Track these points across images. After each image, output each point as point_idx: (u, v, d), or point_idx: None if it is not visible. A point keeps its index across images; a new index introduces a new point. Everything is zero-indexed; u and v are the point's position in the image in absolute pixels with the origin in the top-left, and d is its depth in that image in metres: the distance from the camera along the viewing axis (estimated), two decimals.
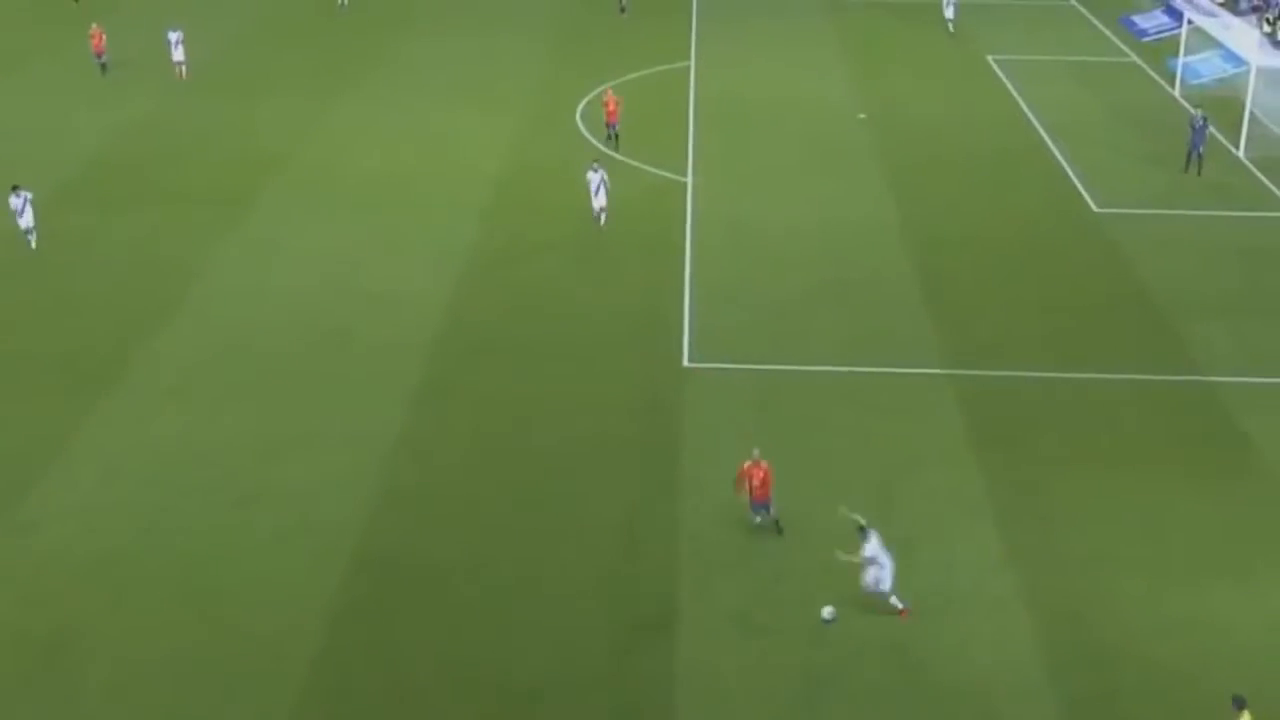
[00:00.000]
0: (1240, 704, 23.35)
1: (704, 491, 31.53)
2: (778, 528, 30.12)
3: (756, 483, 29.68)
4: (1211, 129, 53.63)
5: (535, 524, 30.27)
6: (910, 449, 33.47)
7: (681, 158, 52.81)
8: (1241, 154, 53.89)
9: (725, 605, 27.78)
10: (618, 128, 52.09)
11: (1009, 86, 62.88)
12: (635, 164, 51.30)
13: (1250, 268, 44.01)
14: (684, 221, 46.86)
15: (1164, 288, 42.32)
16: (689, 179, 50.76)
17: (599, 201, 45.01)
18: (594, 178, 45.10)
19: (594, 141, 54.05)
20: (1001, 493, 31.70)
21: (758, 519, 30.04)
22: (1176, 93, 60.87)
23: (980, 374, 37.10)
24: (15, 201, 42.26)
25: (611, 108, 51.26)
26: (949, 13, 70.62)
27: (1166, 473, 32.68)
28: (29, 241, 42.62)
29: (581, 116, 56.85)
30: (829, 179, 51.09)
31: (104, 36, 57.68)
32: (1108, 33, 72.40)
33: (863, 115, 57.77)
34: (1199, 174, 51.86)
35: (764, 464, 29.80)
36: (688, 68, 64.55)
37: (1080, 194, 50.12)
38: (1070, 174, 52.03)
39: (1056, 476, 32.44)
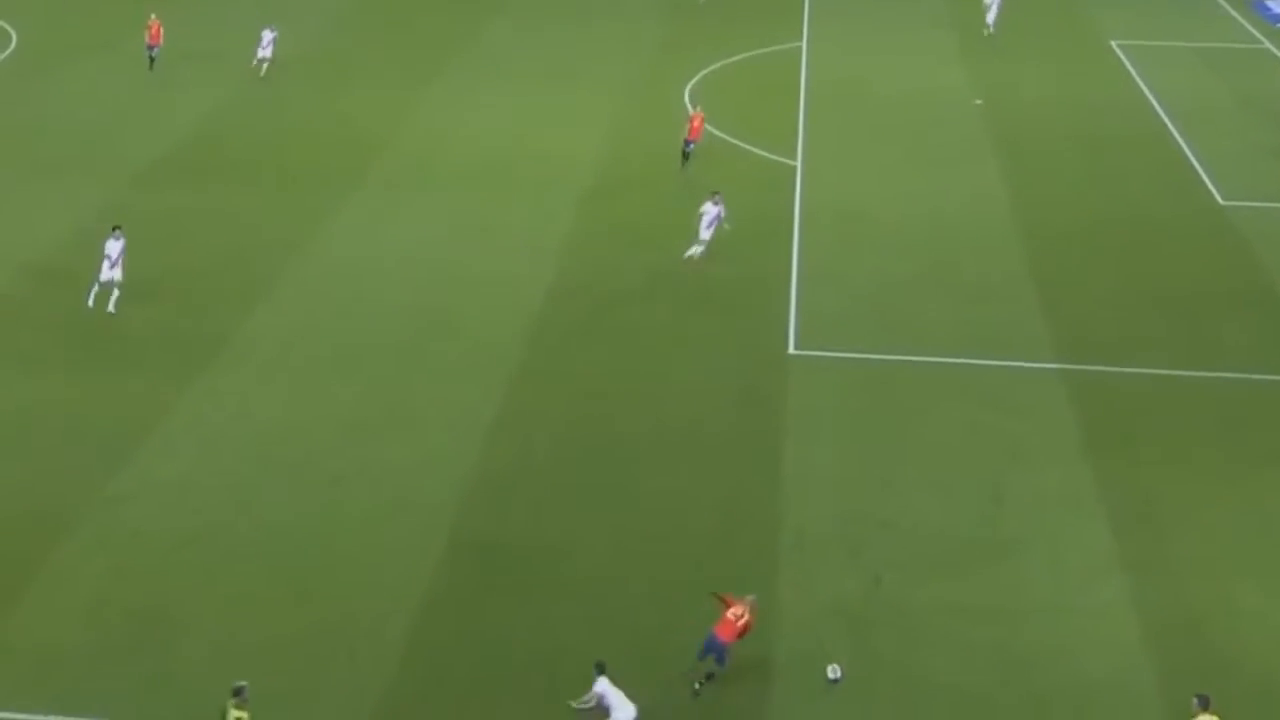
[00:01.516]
0: (1204, 703, 22.87)
1: (807, 484, 31.41)
2: (698, 684, 25.24)
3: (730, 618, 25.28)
4: None
5: (630, 514, 30.29)
6: (1020, 446, 33.10)
7: (792, 141, 52.55)
8: None
9: (825, 601, 27.64)
10: (694, 147, 48.72)
11: (1132, 72, 61.93)
12: (745, 146, 51.13)
13: None
14: (792, 206, 46.65)
15: None
16: (799, 163, 50.51)
17: (704, 234, 41.17)
18: (711, 210, 41.27)
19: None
20: (1114, 494, 31.27)
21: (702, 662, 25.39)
22: None
23: (1094, 369, 36.59)
24: (113, 246, 37.56)
25: (696, 125, 49.14)
26: (990, 16, 66.21)
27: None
28: (110, 298, 37.44)
29: (690, 98, 56.77)
30: (942, 166, 50.62)
31: (161, 28, 57.88)
32: (1239, 17, 71.03)
33: (979, 101, 57.18)
34: None
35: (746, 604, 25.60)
36: (800, 49, 64.22)
37: (1205, 185, 49.26)
38: (1195, 164, 51.14)
39: (1172, 479, 31.93)
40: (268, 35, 57.44)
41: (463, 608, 27.32)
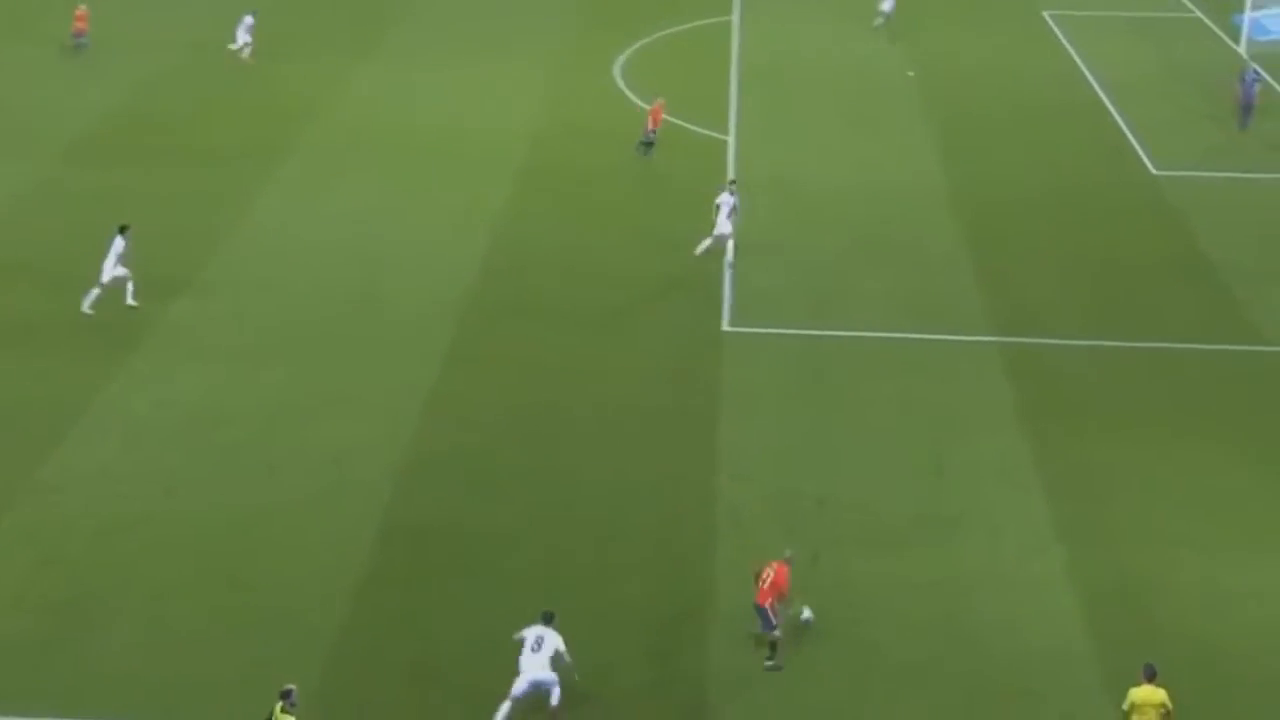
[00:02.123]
0: (1151, 674, 23.19)
1: (743, 462, 31.50)
2: (771, 654, 25.47)
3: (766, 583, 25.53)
4: (1268, 83, 53.27)
5: (569, 494, 30.28)
6: (957, 419, 33.35)
7: (723, 116, 52.60)
8: None
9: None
10: (655, 135, 48.02)
11: (1064, 42, 62.43)
12: (676, 121, 51.05)
13: None
14: (724, 180, 46.65)
15: (1224, 254, 42.01)
16: (731, 138, 50.57)
17: (723, 228, 40.06)
18: (727, 201, 40.46)
19: (634, 98, 53.94)
20: (1051, 465, 31.57)
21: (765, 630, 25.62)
22: (1242, 50, 60.26)
23: (1030, 341, 36.93)
24: (119, 245, 36.96)
25: (657, 113, 48.76)
26: (886, 5, 62.09)
27: (1223, 445, 32.46)
28: (126, 292, 36.99)
29: (621, 72, 56.70)
30: (875, 138, 50.86)
31: (87, 18, 56.95)
32: None
33: (911, 72, 57.45)
34: (1243, 127, 51.59)
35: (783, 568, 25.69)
36: (730, 22, 64.27)
37: (1138, 155, 49.76)
38: (1128, 134, 51.65)
39: (1108, 448, 32.26)
40: (247, 20, 56.38)
41: (399, 594, 27.21)
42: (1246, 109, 51.86)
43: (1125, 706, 23.12)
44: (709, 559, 28.24)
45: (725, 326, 37.38)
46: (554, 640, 24.07)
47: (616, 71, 57.03)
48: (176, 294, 37.88)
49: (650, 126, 48.28)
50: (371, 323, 37.08)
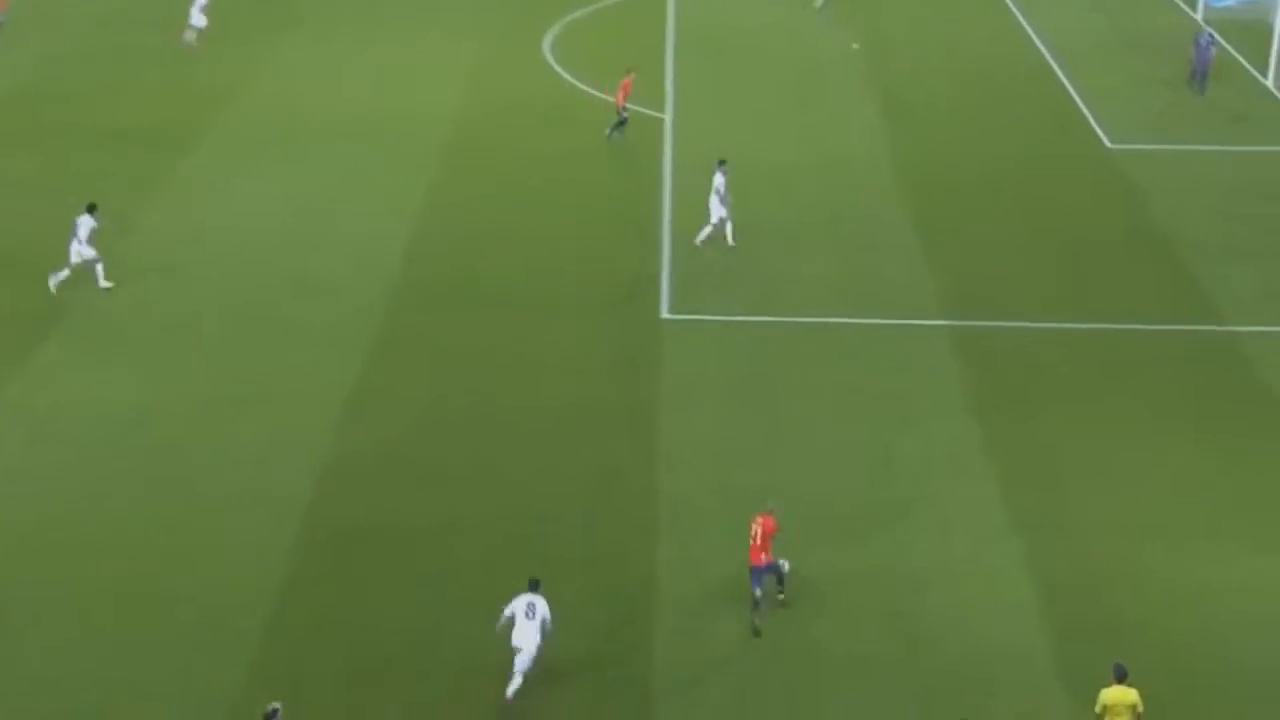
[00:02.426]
0: (1121, 674, 23.53)
1: (685, 455, 31.79)
2: (754, 621, 26.81)
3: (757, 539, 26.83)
4: (1227, 52, 54.29)
5: (502, 491, 30.49)
6: (907, 407, 33.79)
7: (659, 92, 52.86)
8: (1270, 82, 54.24)
9: (710, 575, 28.05)
10: (626, 112, 47.93)
11: (1014, 10, 63.01)
12: (611, 99, 51.28)
13: (1277, 207, 44.38)
14: (661, 162, 47.00)
15: (1184, 230, 42.69)
16: (668, 115, 50.84)
17: (718, 212, 40.46)
18: (722, 181, 40.69)
19: (564, 74, 54.10)
20: (1004, 453, 32.05)
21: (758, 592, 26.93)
22: (1199, 16, 61.06)
23: (982, 325, 37.43)
24: (85, 224, 37.30)
25: (627, 90, 48.47)
26: None
27: (1184, 430, 33.07)
28: (97, 277, 37.45)
29: (550, 49, 56.80)
30: (819, 114, 51.24)
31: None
32: None
33: (856, 45, 57.89)
34: (1202, 93, 52.56)
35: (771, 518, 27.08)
36: None
37: (1092, 128, 50.40)
38: (1082, 107, 52.28)
39: (1063, 435, 32.79)
40: (199, 1, 55.90)
41: (327, 596, 27.36)
42: (1202, 75, 52.76)
43: (1097, 709, 23.41)
44: (649, 556, 28.52)
45: (664, 314, 37.64)
46: (543, 607, 25.00)
47: (546, 47, 57.14)
48: (85, 283, 37.73)
49: (620, 103, 48.15)
50: (292, 313, 37.13)
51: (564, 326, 36.91)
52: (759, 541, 26.72)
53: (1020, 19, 61.77)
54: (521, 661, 24.72)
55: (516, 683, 24.69)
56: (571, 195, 44.42)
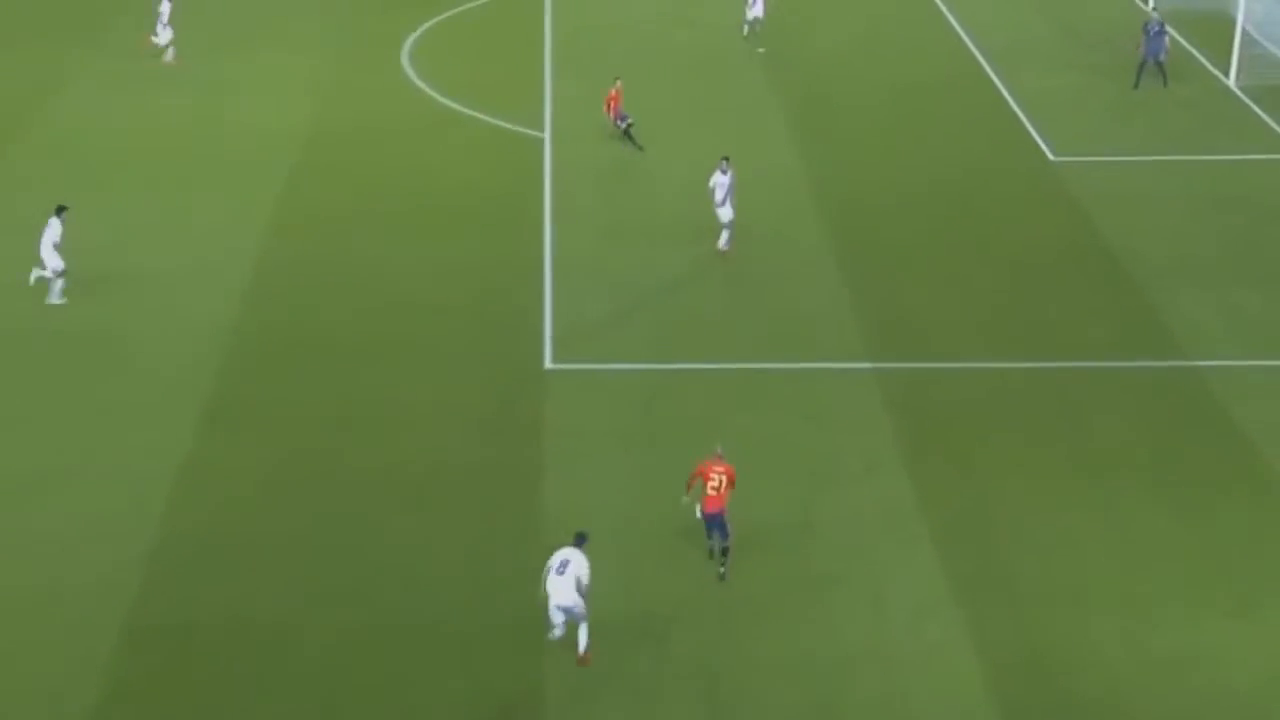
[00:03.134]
0: None
1: (573, 523, 31.48)
2: (721, 566, 30.18)
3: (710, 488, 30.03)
4: (1182, 47, 55.39)
5: (360, 574, 30.14)
6: (829, 463, 33.83)
7: (537, 105, 52.95)
8: (1232, 82, 55.21)
9: (600, 664, 27.84)
10: (628, 122, 49.76)
11: (941, 7, 63.68)
12: (479, 115, 51.25)
13: (1241, 223, 45.14)
14: (542, 187, 47.06)
15: (1137, 252, 43.22)
16: (547, 133, 50.90)
17: (725, 214, 42.18)
18: (723, 180, 42.15)
19: (426, 88, 54.00)
20: (941, 512, 32.16)
21: (711, 543, 30.37)
22: (1150, 5, 61.90)
23: (912, 366, 37.66)
24: (55, 229, 39.34)
25: (616, 101, 49.83)
26: (755, 10, 59.67)
27: (1142, 482, 33.31)
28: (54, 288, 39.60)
29: (410, 58, 56.69)
30: (722, 127, 51.38)
31: None
32: None
33: (762, 49, 58.23)
34: (1165, 84, 53.73)
35: (725, 465, 30.28)
36: None
37: (1032, 138, 51.02)
38: (1020, 115, 52.91)
39: (1007, 490, 32.95)
40: (165, 7, 55.31)
41: (153, 707, 26.87)
42: (1156, 65, 53.91)
43: None
44: (535, 647, 28.31)
45: (548, 363, 37.57)
46: (579, 564, 27.72)
47: (405, 57, 57.05)
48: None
49: (613, 116, 49.34)
50: (112, 372, 36.70)
51: (430, 379, 36.71)
52: (722, 490, 29.84)
53: (949, 17, 62.44)
54: (575, 618, 27.56)
55: (583, 638, 27.63)
56: (438, 227, 44.38)
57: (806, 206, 45.76)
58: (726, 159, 42.42)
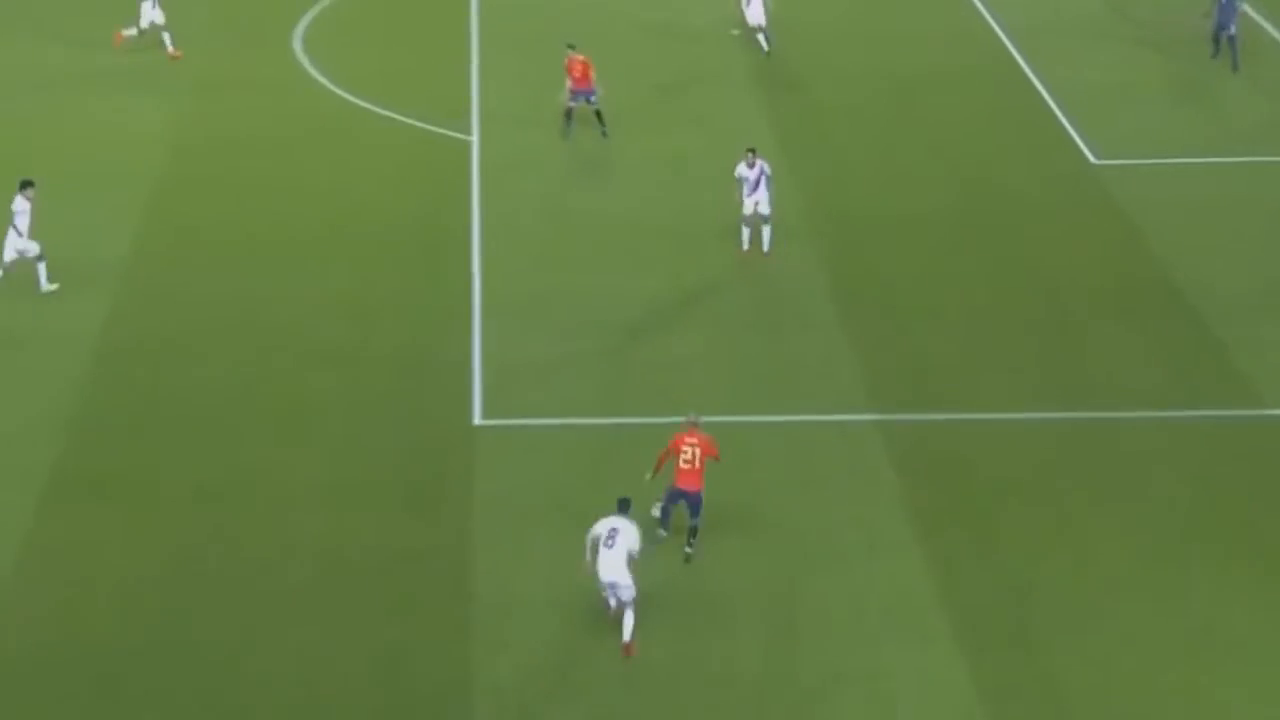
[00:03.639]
0: None
1: (508, 619, 31.46)
2: (688, 546, 32.63)
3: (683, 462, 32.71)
4: (1254, 24, 55.65)
5: (237, 701, 29.69)
6: (826, 538, 33.74)
7: (462, 100, 52.97)
8: None
9: None
10: (595, 98, 50.17)
11: None
12: (391, 114, 51.14)
13: None
14: (469, 204, 47.04)
15: (1201, 277, 43.29)
16: (474, 134, 50.91)
17: (760, 207, 43.98)
18: (749, 174, 43.91)
19: (322, 79, 53.92)
20: (964, 600, 32.05)
21: (663, 532, 32.93)
22: None
23: (925, 419, 37.62)
24: (22, 209, 41.84)
25: (579, 73, 49.84)
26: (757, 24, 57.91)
27: (1210, 556, 33.27)
28: (40, 276, 42.13)
29: (303, 45, 56.59)
30: (687, 129, 51.51)
31: None
32: None
33: (736, 31, 58.34)
34: (1235, 67, 54.28)
35: (699, 434, 33.03)
36: None
37: (1069, 137, 51.21)
38: (1054, 108, 53.09)
39: (1047, 572, 32.84)
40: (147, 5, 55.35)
41: None
42: (1230, 40, 54.49)
43: None
44: None
45: (477, 419, 37.44)
46: (629, 535, 30.38)
47: (297, 42, 57.01)
48: None
49: (575, 87, 49.87)
50: None
51: (330, 443, 36.54)
52: (697, 465, 32.46)
53: None
54: (621, 599, 30.14)
55: (628, 624, 30.05)
56: (341, 253, 44.34)
57: (795, 226, 45.66)
58: (752, 150, 44.13)
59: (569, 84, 50.03)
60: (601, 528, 30.42)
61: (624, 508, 30.74)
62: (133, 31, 55.68)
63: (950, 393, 38.62)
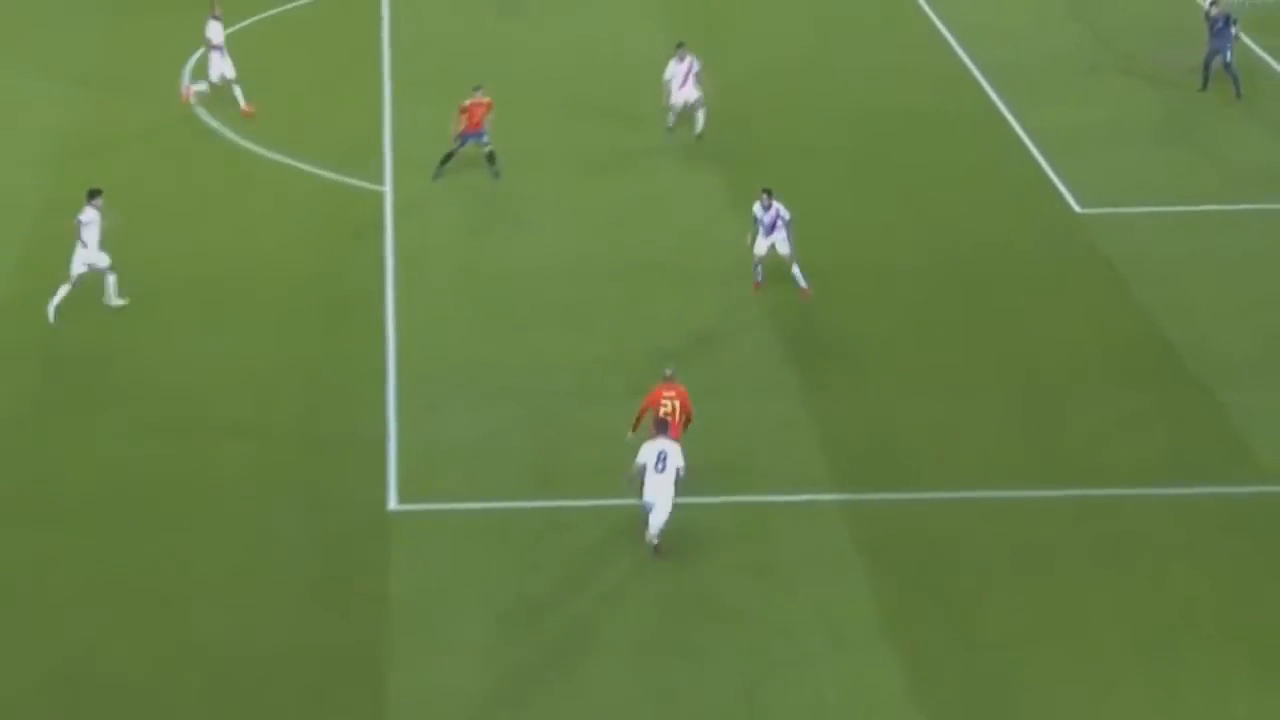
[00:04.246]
0: None
1: None
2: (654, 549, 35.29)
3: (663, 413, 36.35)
4: (1252, 53, 56.53)
5: None
6: (784, 636, 33.77)
7: (373, 150, 53.25)
8: None
9: None
10: (486, 140, 51.15)
11: (924, 7, 64.48)
12: (294, 163, 51.18)
13: None
14: (382, 256, 47.35)
15: (1200, 337, 43.68)
16: (387, 184, 51.18)
17: (779, 247, 45.51)
18: (764, 215, 45.35)
19: (215, 124, 53.93)
20: (940, 702, 32.06)
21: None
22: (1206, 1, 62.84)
23: (896, 499, 37.74)
24: (90, 221, 44.25)
25: (478, 114, 50.56)
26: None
27: (1216, 644, 33.38)
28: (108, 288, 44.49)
29: (192, 82, 56.55)
30: (627, 175, 51.80)
31: None
32: None
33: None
34: (1238, 94, 55.17)
35: (677, 387, 36.96)
36: None
37: (1051, 184, 51.65)
38: (1034, 151, 53.57)
39: (1032, 667, 32.95)
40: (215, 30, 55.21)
41: None
42: (1226, 66, 55.33)
43: None
44: None
45: (392, 504, 37.41)
46: (676, 456, 34.79)
47: (186, 82, 56.86)
48: None
49: (466, 129, 50.86)
50: None
51: (226, 533, 36.46)
52: (674, 419, 36.15)
53: (935, 20, 63.21)
54: (656, 521, 34.76)
55: (658, 526, 34.89)
56: (238, 317, 44.44)
57: (748, 283, 45.96)
58: (767, 192, 45.18)
59: (460, 125, 50.54)
60: (649, 454, 34.71)
61: (665, 429, 35.31)
62: (203, 86, 55.80)
63: (923, 468, 38.76)
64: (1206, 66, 55.93)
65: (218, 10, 55.59)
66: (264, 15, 62.73)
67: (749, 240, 45.37)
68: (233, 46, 56.22)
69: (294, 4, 63.97)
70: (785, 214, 45.06)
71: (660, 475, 34.56)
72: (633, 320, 44.54)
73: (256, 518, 37.02)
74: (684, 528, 36.13)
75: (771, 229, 45.08)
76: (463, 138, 50.71)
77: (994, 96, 57.30)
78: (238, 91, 55.16)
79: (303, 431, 40.03)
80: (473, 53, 59.83)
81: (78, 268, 43.78)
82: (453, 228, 48.85)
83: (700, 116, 51.79)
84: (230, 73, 55.28)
